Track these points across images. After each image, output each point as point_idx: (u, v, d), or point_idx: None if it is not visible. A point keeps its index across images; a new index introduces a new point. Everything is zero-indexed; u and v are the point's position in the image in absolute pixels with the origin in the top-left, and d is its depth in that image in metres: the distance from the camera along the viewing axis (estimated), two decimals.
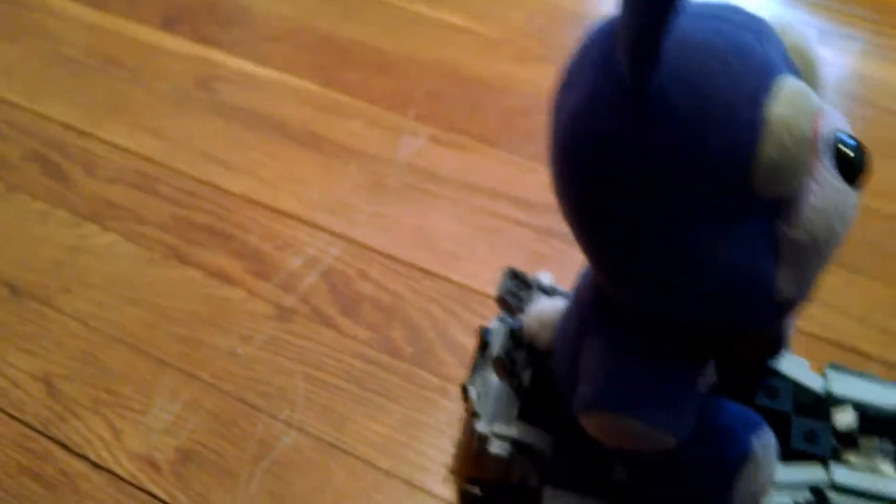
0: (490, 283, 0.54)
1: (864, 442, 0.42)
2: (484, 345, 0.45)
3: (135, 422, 0.49)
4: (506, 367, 0.41)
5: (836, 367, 0.45)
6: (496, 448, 0.41)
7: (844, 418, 0.42)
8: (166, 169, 0.64)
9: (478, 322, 0.54)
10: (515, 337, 0.42)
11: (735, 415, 0.37)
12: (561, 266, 0.56)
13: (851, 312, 0.56)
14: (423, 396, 0.51)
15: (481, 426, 0.42)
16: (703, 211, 0.28)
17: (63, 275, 0.57)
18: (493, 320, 0.45)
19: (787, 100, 0.26)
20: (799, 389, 0.43)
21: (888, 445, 0.42)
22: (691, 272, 0.28)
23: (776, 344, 0.42)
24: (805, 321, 0.54)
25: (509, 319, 0.44)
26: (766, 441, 0.36)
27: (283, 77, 0.73)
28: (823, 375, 0.44)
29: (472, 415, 0.43)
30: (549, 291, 0.46)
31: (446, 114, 0.70)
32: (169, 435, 0.49)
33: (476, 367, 0.45)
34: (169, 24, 0.78)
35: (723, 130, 0.26)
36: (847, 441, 0.42)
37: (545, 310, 0.42)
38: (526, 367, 0.42)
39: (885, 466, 0.41)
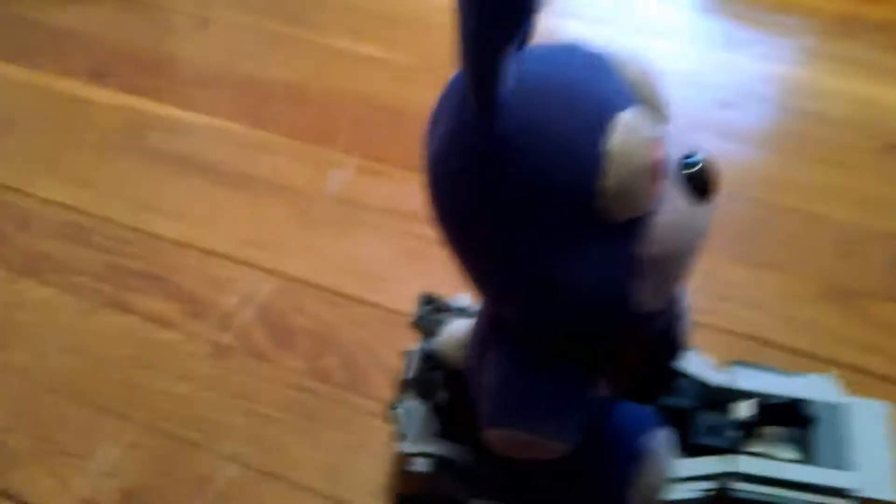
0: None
1: (767, 431, 0.45)
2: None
3: (77, 467, 0.51)
4: (421, 389, 0.43)
5: (741, 362, 0.48)
6: (420, 466, 0.43)
7: (745, 409, 0.44)
8: (98, 219, 0.66)
9: (408, 344, 0.56)
10: (431, 358, 0.45)
11: (629, 416, 0.39)
12: None
13: (763, 305, 0.59)
14: (357, 420, 0.53)
15: (405, 446, 0.44)
16: (559, 238, 0.30)
17: (1, 331, 0.58)
18: (417, 343, 0.48)
19: (621, 134, 0.29)
20: (703, 386, 0.46)
21: (792, 432, 0.45)
22: (556, 292, 0.31)
23: (672, 348, 0.44)
24: (719, 318, 0.57)
25: (426, 342, 0.46)
26: (659, 438, 0.39)
27: (209, 120, 0.75)
28: (730, 371, 0.47)
29: (399, 436, 0.45)
30: (464, 312, 0.48)
31: (371, 143, 0.72)
32: (112, 477, 0.50)
33: (401, 390, 0.47)
34: (96, 76, 0.80)
35: (566, 167, 0.29)
36: (751, 431, 0.45)
37: (457, 330, 0.45)
38: (442, 387, 0.44)
39: (787, 453, 0.44)
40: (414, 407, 0.45)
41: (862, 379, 0.54)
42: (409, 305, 0.59)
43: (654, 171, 0.30)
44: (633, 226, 0.31)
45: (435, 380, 0.44)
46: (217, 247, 0.64)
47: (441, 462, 0.43)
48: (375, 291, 0.60)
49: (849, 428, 0.44)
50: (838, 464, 0.42)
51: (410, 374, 0.44)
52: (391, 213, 0.66)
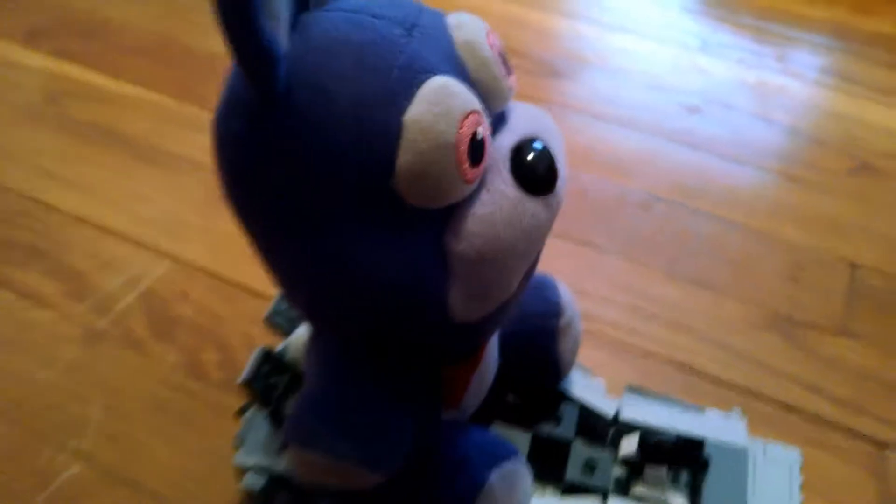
0: None
1: (652, 471, 0.39)
2: None
3: None
4: (258, 392, 0.38)
5: (636, 389, 0.42)
6: (250, 481, 0.38)
7: (627, 445, 0.39)
8: None
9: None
10: (276, 361, 0.40)
11: (476, 445, 0.34)
12: None
13: (694, 329, 0.53)
14: (226, 425, 0.47)
15: (239, 457, 0.39)
16: (355, 218, 0.25)
17: None
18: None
19: (425, 100, 0.24)
20: (587, 414, 0.40)
21: (682, 474, 0.39)
22: (353, 279, 0.26)
23: (551, 369, 0.39)
24: (643, 339, 0.52)
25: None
26: (507, 473, 0.33)
27: (136, 91, 0.71)
28: (620, 399, 0.41)
29: (237, 445, 0.40)
30: None
31: None
32: None
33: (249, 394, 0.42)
34: (31, 38, 0.76)
35: (356, 134, 0.24)
36: (636, 470, 0.39)
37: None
38: (287, 393, 0.39)
39: (676, 499, 0.38)
40: (258, 415, 0.40)
41: (790, 418, 0.48)
42: None
43: (462, 151, 0.24)
44: (446, 215, 0.26)
45: (277, 384, 0.39)
46: (116, 225, 0.59)
47: (277, 480, 0.38)
48: (271, 285, 0.55)
49: (749, 476, 0.38)
50: None
51: (244, 377, 0.39)
52: None
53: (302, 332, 0.40)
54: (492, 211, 0.26)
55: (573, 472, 0.38)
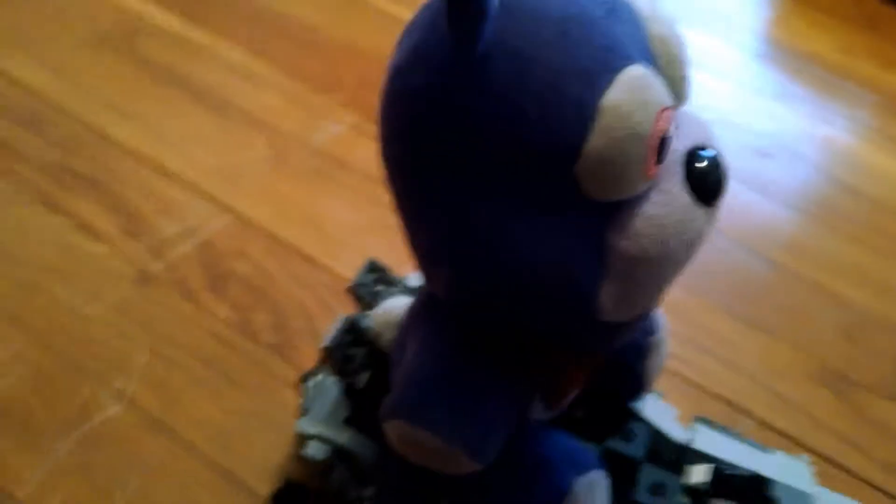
0: None
1: (716, 503, 0.38)
2: None
3: None
4: (337, 363, 0.37)
5: (706, 421, 0.42)
6: (312, 450, 0.37)
7: (698, 474, 0.38)
8: (58, 110, 0.60)
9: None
10: (357, 332, 0.39)
11: (562, 450, 0.33)
12: None
13: (746, 369, 0.53)
14: (270, 387, 0.46)
15: (303, 424, 0.38)
16: (524, 196, 0.24)
17: None
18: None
19: (625, 87, 0.23)
20: (658, 437, 0.39)
21: None
22: (504, 262, 0.25)
23: (634, 383, 0.38)
24: (694, 370, 0.51)
25: (360, 314, 0.40)
26: (591, 483, 0.32)
27: (209, 39, 0.69)
28: (691, 428, 0.40)
29: (302, 412, 0.39)
30: (412, 292, 0.42)
31: (371, 104, 0.66)
32: None
33: (320, 361, 0.41)
34: None
35: (547, 109, 0.23)
36: (699, 500, 0.38)
37: (395, 307, 0.38)
38: (363, 367, 0.38)
39: None
40: (327, 383, 0.39)
41: (836, 474, 0.47)
42: None
43: (653, 147, 0.24)
44: (613, 210, 0.25)
45: (356, 356, 0.38)
46: (175, 167, 0.58)
47: (338, 452, 0.37)
48: (330, 255, 0.54)
49: None
50: None
51: (326, 342, 0.38)
52: (371, 179, 0.60)
53: (389, 306, 0.39)
54: (663, 213, 0.25)
55: (643, 493, 0.37)
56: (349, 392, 0.38)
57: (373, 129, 0.65)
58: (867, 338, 0.57)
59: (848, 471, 0.48)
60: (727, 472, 0.38)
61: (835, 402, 0.52)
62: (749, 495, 0.38)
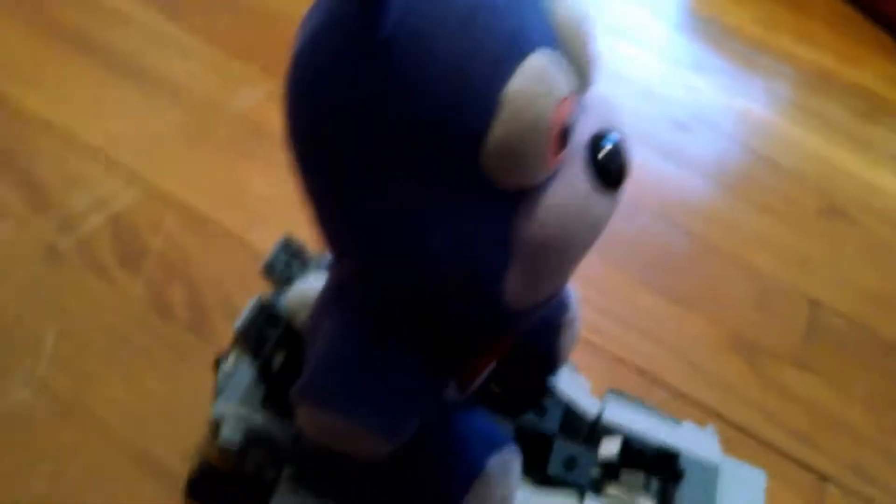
0: None
1: (627, 475, 0.39)
2: None
3: None
4: (250, 344, 0.36)
5: (617, 393, 0.43)
6: (227, 433, 0.36)
7: (608, 448, 0.39)
8: None
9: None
10: (270, 312, 0.38)
11: (476, 429, 0.33)
12: None
13: (662, 340, 0.54)
14: (186, 367, 0.46)
15: (218, 407, 0.37)
16: (429, 184, 0.24)
17: None
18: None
19: (527, 75, 0.23)
20: (570, 412, 0.40)
21: (653, 481, 0.40)
22: (409, 249, 0.25)
23: (549, 360, 0.39)
24: (610, 341, 0.52)
25: (275, 293, 0.40)
26: (504, 460, 0.33)
27: (125, 4, 0.66)
28: (604, 400, 0.41)
29: (216, 394, 0.38)
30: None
31: None
32: None
33: (235, 342, 0.40)
34: None
35: (452, 97, 0.23)
36: (611, 472, 0.40)
37: (310, 287, 0.38)
38: (278, 347, 0.38)
39: (644, 502, 0.39)
40: (242, 365, 0.38)
41: (744, 441, 0.49)
42: None
43: (554, 136, 0.24)
44: (518, 197, 0.25)
45: (270, 337, 0.37)
46: (86, 137, 0.56)
47: (254, 434, 0.36)
48: (250, 229, 0.53)
49: (719, 491, 0.39)
50: None
51: (239, 324, 0.37)
52: None
53: (302, 286, 0.38)
54: (566, 200, 0.25)
55: (555, 467, 0.38)
56: (264, 373, 0.37)
57: None
58: (777, 306, 0.59)
59: (757, 438, 0.50)
60: (635, 445, 0.39)
61: (747, 371, 0.54)
62: (656, 467, 0.39)
